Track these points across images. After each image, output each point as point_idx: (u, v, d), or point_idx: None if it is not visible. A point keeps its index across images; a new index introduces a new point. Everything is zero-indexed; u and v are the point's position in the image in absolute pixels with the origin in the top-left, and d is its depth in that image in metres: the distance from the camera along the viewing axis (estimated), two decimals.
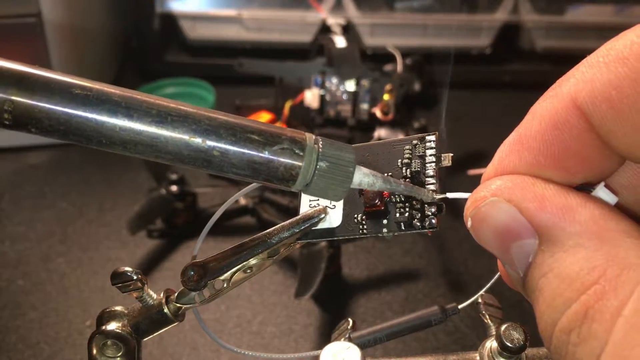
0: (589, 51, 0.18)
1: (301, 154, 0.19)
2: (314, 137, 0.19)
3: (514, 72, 0.92)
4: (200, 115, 0.18)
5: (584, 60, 0.18)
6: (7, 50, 0.80)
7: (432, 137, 0.23)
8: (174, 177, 0.67)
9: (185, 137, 0.18)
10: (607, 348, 0.16)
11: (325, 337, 0.57)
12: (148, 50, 0.95)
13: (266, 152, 0.18)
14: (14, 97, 0.17)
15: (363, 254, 0.66)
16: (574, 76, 0.18)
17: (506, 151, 0.20)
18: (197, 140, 0.18)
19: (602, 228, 0.17)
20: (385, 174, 0.23)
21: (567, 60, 0.19)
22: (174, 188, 0.67)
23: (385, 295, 0.61)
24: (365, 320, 0.59)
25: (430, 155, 0.23)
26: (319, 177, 0.19)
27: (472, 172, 0.70)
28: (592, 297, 0.16)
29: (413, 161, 0.23)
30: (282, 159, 0.19)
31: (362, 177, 0.20)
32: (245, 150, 0.18)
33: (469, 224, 0.20)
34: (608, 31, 0.22)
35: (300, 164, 0.19)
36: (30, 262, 0.66)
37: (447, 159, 0.23)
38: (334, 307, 0.61)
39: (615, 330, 0.15)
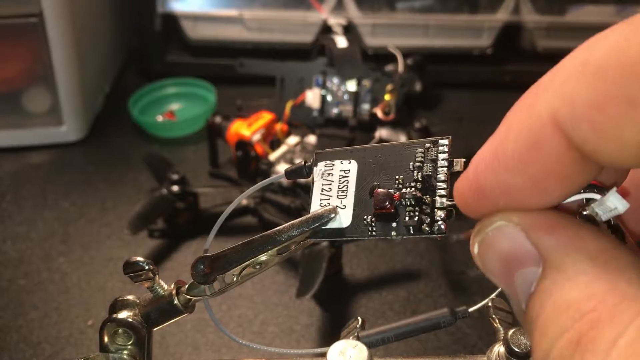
0: None
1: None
2: None
3: (515, 73, 0.92)
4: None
5: (563, 63, 0.17)
6: (9, 51, 0.80)
7: (446, 141, 0.23)
8: (175, 177, 0.67)
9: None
10: None
11: (326, 337, 0.57)
12: (149, 51, 0.95)
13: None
14: None
15: (364, 254, 0.66)
16: (552, 87, 0.17)
17: (481, 167, 0.18)
18: None
19: (610, 257, 0.16)
20: (397, 177, 0.23)
21: None
22: (175, 188, 0.67)
23: (386, 295, 0.61)
24: (367, 320, 0.59)
25: (443, 159, 0.22)
26: None
27: None
28: (586, 325, 0.15)
29: (425, 165, 0.23)
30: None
31: None
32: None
33: (475, 250, 0.19)
34: None
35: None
36: (31, 261, 0.66)
37: (459, 164, 0.22)
38: (335, 307, 0.61)
39: None
